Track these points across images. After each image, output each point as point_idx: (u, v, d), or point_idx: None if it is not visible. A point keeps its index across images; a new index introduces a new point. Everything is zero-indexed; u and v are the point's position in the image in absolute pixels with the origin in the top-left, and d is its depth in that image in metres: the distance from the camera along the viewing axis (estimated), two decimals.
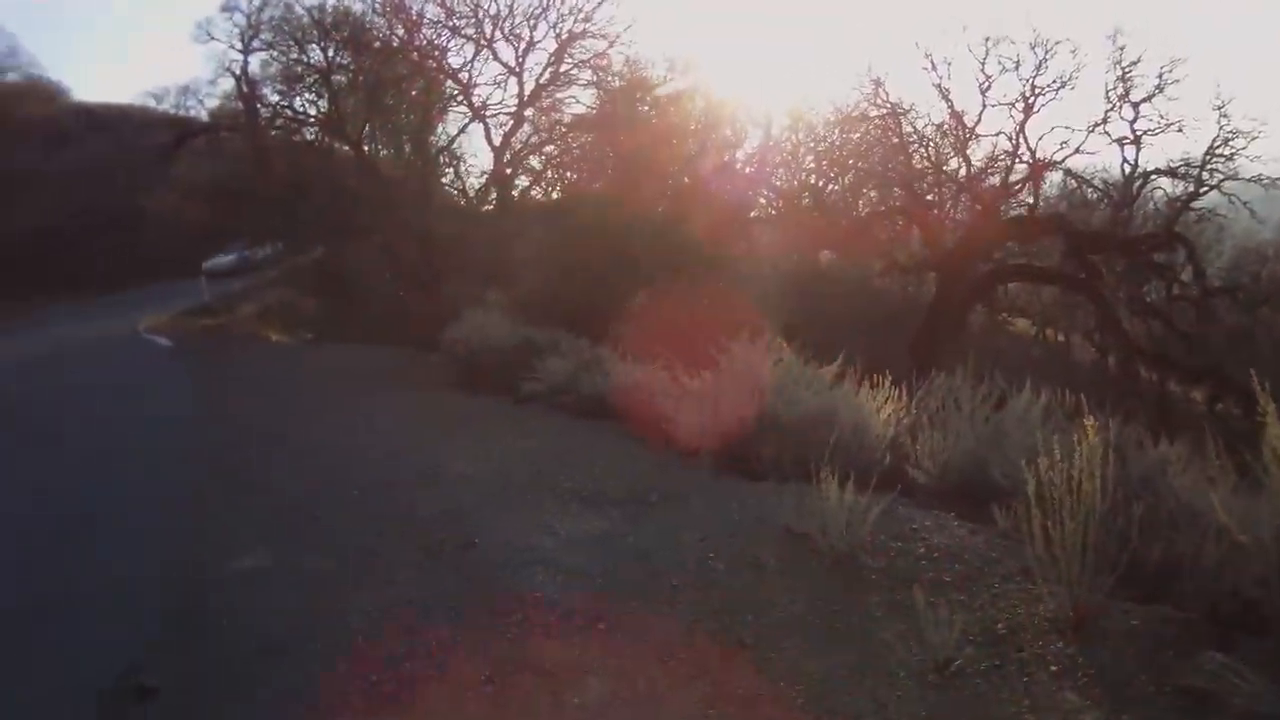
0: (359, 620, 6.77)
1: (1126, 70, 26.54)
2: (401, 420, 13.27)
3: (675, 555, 7.19)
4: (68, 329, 31.80)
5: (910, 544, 6.94)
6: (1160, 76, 26.40)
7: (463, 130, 30.03)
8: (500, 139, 27.36)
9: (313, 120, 31.71)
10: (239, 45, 34.49)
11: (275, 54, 32.94)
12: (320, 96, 31.24)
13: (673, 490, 8.81)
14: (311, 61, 30.58)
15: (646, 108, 24.27)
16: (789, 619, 6.05)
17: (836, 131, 30.11)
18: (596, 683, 5.52)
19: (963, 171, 28.69)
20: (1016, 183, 28.00)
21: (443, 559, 7.81)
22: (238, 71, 34.65)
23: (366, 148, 30.71)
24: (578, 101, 29.49)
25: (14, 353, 26.30)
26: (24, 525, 10.33)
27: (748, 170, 27.81)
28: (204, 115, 39.19)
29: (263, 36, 33.71)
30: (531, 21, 27.48)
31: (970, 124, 27.59)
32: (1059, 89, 26.93)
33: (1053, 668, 5.20)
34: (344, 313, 29.12)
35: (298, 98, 31.97)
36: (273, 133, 32.72)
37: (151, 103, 43.64)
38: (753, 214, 27.80)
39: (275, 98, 32.95)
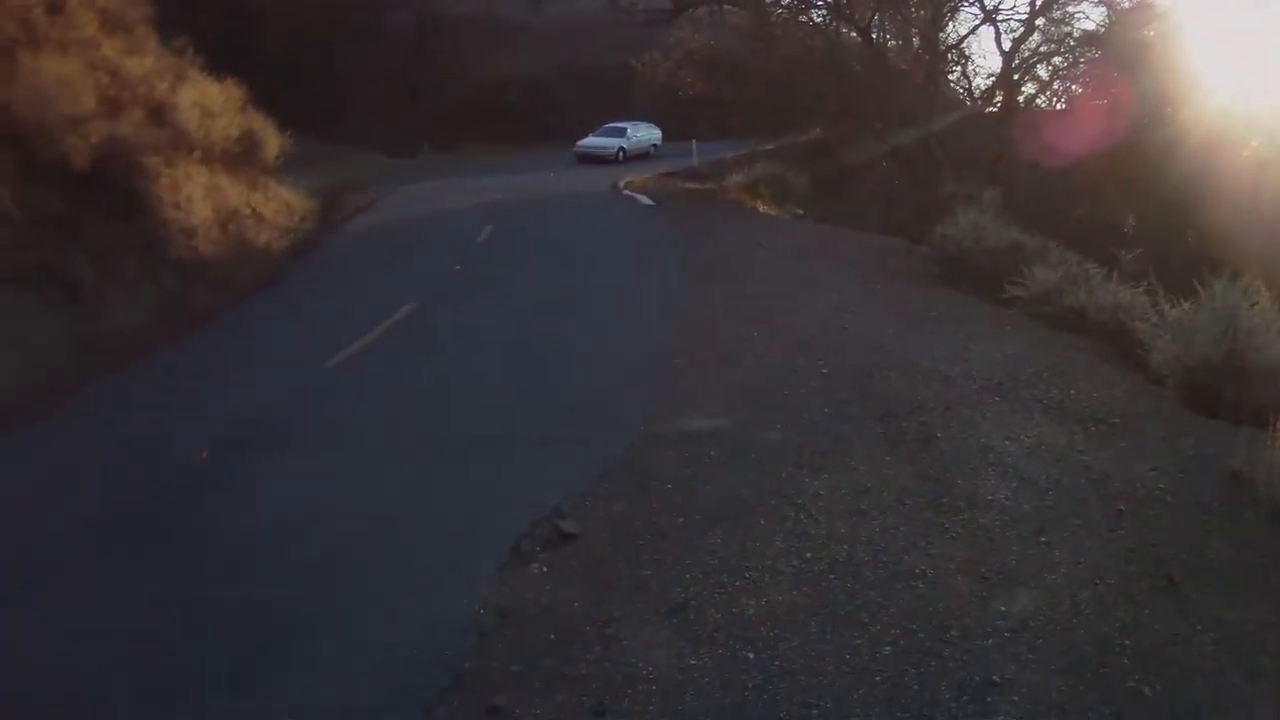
0: (805, 500, 7.53)
1: None
2: (884, 309, 13.58)
3: (1125, 481, 7.56)
4: (553, 177, 33.88)
5: None
6: None
7: (973, 31, 29.41)
8: (1010, 44, 26.70)
9: (821, 3, 31.41)
10: None
11: None
12: None
13: (1134, 416, 9.03)
14: None
15: (1149, 33, 22.92)
16: (1218, 564, 6.36)
17: None
18: (1025, 595, 6.10)
19: None
20: None
21: (902, 449, 8.44)
22: None
23: (874, 36, 30.44)
24: (1087, 17, 28.13)
25: (513, 198, 28.02)
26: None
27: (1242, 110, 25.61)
28: None
29: None
30: None
31: None
32: None
33: None
34: (834, 194, 29.40)
35: None
36: (779, 10, 32.79)
37: None
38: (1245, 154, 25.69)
39: None
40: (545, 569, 6.74)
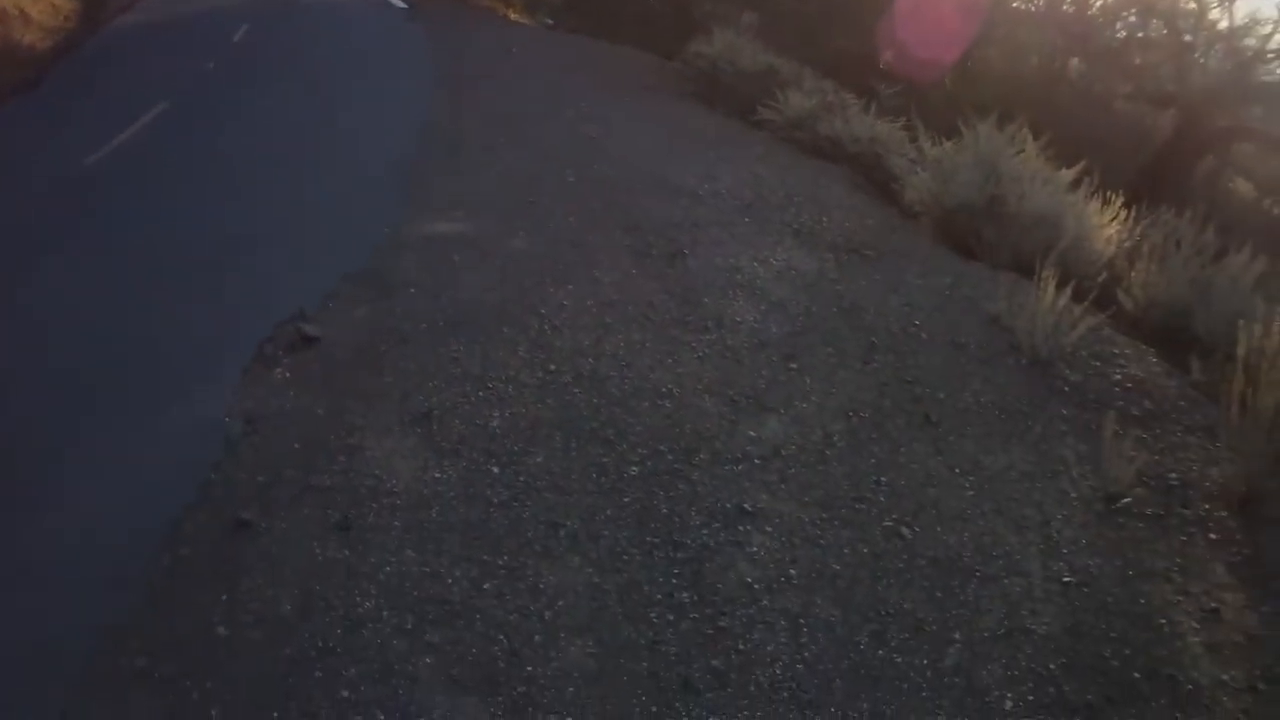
0: (549, 310, 7.21)
1: None
2: (635, 123, 13.21)
3: (879, 314, 7.38)
4: None
5: (1107, 367, 7.01)
6: None
7: None
8: None
9: None
10: None
11: None
12: None
13: (889, 249, 8.88)
14: None
15: None
16: (977, 408, 6.25)
17: None
18: (775, 422, 5.89)
19: (1224, 23, 26.46)
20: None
21: (649, 264, 8.10)
22: None
23: None
24: None
25: None
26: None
27: None
28: None
29: None
30: None
31: None
32: None
33: (1212, 535, 5.32)
34: (587, 5, 28.67)
35: None
36: None
37: None
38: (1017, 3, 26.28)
39: None
40: (288, 375, 6.40)
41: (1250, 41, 26.31)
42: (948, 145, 10.09)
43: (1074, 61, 25.95)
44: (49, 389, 6.31)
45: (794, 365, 6.50)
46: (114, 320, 7.33)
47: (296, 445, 5.59)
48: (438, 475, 5.32)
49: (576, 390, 6.13)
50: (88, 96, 15.50)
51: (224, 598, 4.59)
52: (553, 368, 6.38)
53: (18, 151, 12.81)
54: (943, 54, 17.02)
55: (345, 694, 4.18)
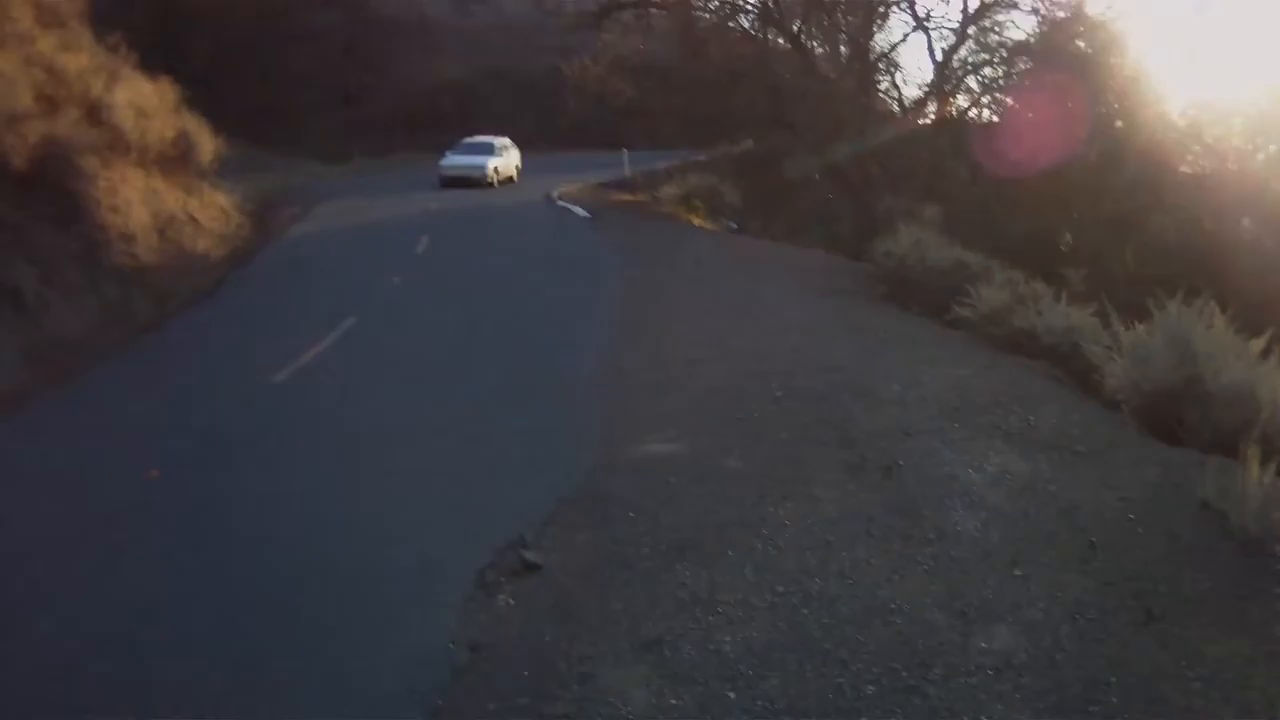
0: (771, 530, 7.48)
1: None
2: (833, 330, 13.58)
3: (1095, 512, 7.60)
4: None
5: None
6: None
7: (904, 39, 29.81)
8: (942, 54, 26.89)
9: (750, 8, 31.16)
10: None
11: None
12: None
13: (1097, 443, 9.06)
14: None
15: (1084, 44, 23.23)
16: (1195, 597, 6.37)
17: None
18: (1005, 631, 6.07)
19: None
20: None
21: (864, 477, 8.42)
22: None
23: (804, 43, 30.22)
24: (1016, 26, 28.29)
25: (447, 208, 28.25)
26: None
27: (1181, 123, 26.08)
28: None
29: None
30: None
31: None
32: None
33: None
34: (770, 208, 29.50)
35: None
36: (706, 15, 32.48)
37: None
38: (1184, 169, 26.13)
39: None
40: (512, 602, 6.66)
41: None
42: (1139, 328, 10.34)
43: (1244, 222, 25.45)
44: (258, 618, 6.71)
45: (1018, 572, 6.75)
46: (319, 545, 7.86)
47: (526, 673, 5.82)
48: (673, 702, 5.49)
49: (806, 611, 6.33)
50: (270, 308, 16.64)
51: None
52: (780, 589, 6.61)
53: (203, 365, 13.94)
54: (1119, 230, 17.22)
55: None
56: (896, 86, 30.50)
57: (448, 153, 35.65)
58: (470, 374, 12.35)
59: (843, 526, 7.53)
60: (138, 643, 6.40)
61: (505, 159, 36.65)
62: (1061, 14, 24.89)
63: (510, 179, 36.43)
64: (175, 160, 23.79)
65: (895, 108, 29.00)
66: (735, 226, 28.64)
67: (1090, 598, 6.41)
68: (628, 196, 31.89)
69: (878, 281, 16.79)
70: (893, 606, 6.35)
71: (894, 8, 28.59)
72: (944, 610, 6.30)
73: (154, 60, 26.50)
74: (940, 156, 24.22)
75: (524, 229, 25.13)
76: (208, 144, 25.45)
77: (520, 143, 41.16)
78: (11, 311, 14.76)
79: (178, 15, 47.34)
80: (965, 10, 26.10)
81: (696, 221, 28.30)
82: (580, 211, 27.68)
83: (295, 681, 5.88)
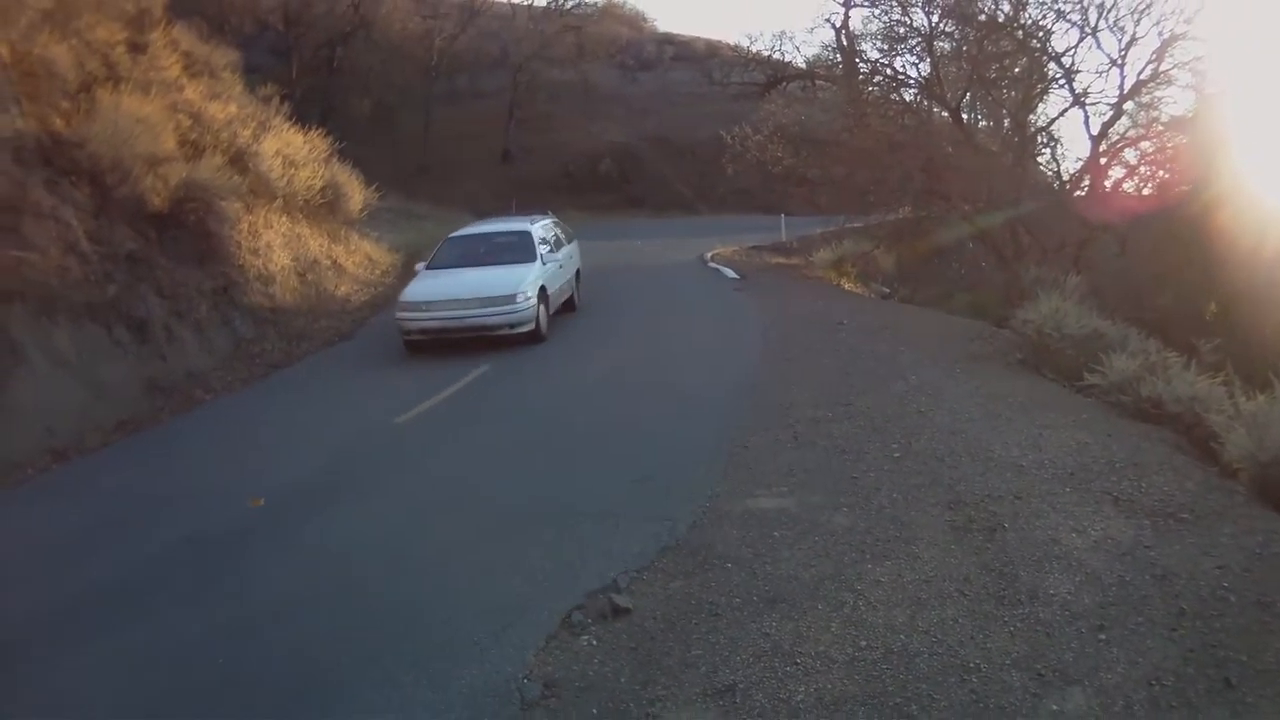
0: (865, 586, 7.63)
1: None
2: (962, 395, 13.51)
3: (1190, 579, 7.54)
4: (640, 246, 34.22)
5: None
6: None
7: (1062, 114, 29.30)
8: (1098, 128, 26.60)
9: (912, 82, 31.43)
10: None
11: (877, 11, 33.46)
12: (921, 60, 30.87)
13: (1205, 511, 8.93)
14: (914, 24, 30.33)
15: (1238, 120, 22.68)
16: (1276, 667, 6.30)
17: None
18: (1079, 694, 6.13)
19: None
20: None
21: (968, 538, 8.50)
22: (837, 24, 35.34)
23: (965, 117, 30.42)
24: (1174, 102, 27.87)
25: (595, 264, 28.52)
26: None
27: None
28: (799, 62, 39.60)
29: None
30: (1136, 16, 26.26)
31: None
32: None
33: None
34: (921, 274, 29.44)
35: (898, 58, 31.59)
36: (869, 89, 32.74)
37: (745, 42, 45.19)
38: None
39: (875, 55, 32.83)
40: (594, 642, 6.89)
41: None
42: (1261, 398, 10.15)
43: None
44: (348, 638, 7.19)
45: (1103, 636, 6.76)
46: (414, 573, 8.29)
47: (594, 711, 6.08)
48: None
49: (885, 666, 6.44)
50: (404, 352, 17.38)
51: None
52: (864, 644, 6.74)
53: (326, 402, 14.77)
54: (1263, 306, 16.79)
55: None
56: (1055, 160, 30.24)
57: (421, 269, 19.36)
58: (589, 425, 12.72)
59: (937, 585, 7.63)
60: (239, 657, 7.05)
61: (554, 264, 19.48)
62: (1217, 90, 24.40)
63: (572, 299, 21.13)
64: (322, 208, 24.88)
65: (1052, 180, 28.65)
66: (887, 291, 28.63)
67: (1171, 664, 6.40)
68: (782, 260, 31.93)
69: (1015, 348, 16.54)
70: (972, 665, 6.44)
71: (1053, 84, 28.36)
72: (1022, 671, 6.37)
73: (312, 113, 27.77)
74: (1091, 228, 23.84)
75: (673, 288, 25.48)
76: (357, 194, 26.68)
77: (680, 208, 41.40)
78: (135, 342, 15.63)
79: (341, 73, 49.78)
80: (1121, 88, 25.79)
81: (847, 286, 28.32)
82: (730, 273, 27.91)
83: (366, 710, 6.25)
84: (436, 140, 51.12)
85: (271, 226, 21.55)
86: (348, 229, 26.28)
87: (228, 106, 23.19)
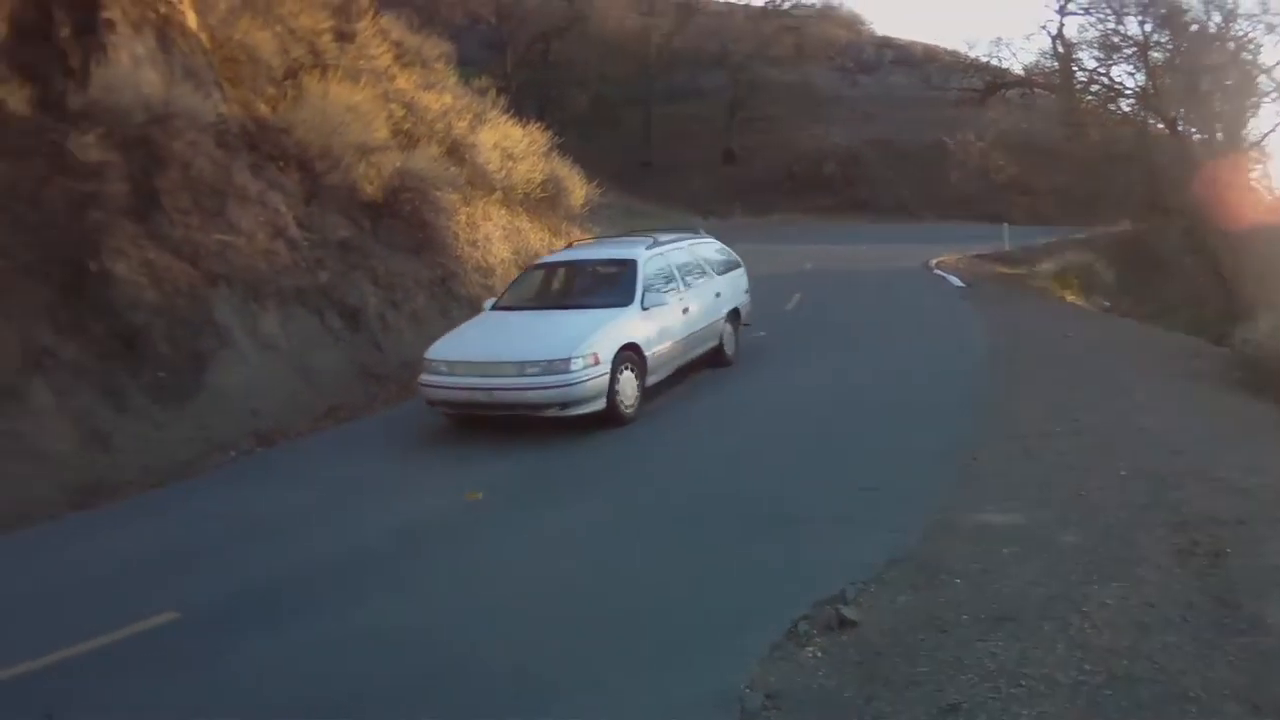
0: (1092, 608, 7.58)
1: None
2: (1184, 413, 13.48)
3: None
4: (864, 250, 33.88)
5: None
6: None
7: (1275, 128, 28.72)
8: None
9: (1129, 93, 31.49)
10: (1056, 5, 35.71)
11: (1092, 19, 33.41)
12: (1137, 70, 30.97)
13: None
14: (1128, 33, 30.55)
15: None
16: None
17: None
18: None
19: None
20: None
21: (1192, 563, 8.47)
22: (1053, 32, 36.05)
23: (1180, 128, 30.04)
24: None
25: (822, 268, 28.92)
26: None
27: None
28: (1016, 69, 39.83)
29: (1080, 1, 34.20)
30: None
31: None
32: None
33: None
34: (1142, 288, 28.97)
35: (1114, 67, 31.78)
36: (1087, 98, 32.93)
37: (963, 48, 45.33)
38: None
39: (1091, 64, 33.17)
40: (819, 655, 6.91)
41: None
42: None
43: None
44: (567, 636, 7.47)
45: None
46: (635, 577, 8.58)
47: None
48: None
49: (1107, 692, 6.47)
50: None
51: None
52: (1088, 667, 6.76)
53: None
54: None
55: None
56: (1268, 175, 29.51)
57: (488, 307, 15.09)
58: (824, 431, 12.99)
59: (1160, 610, 7.57)
60: (452, 650, 7.48)
61: (670, 309, 14.46)
62: None
63: (717, 352, 16.30)
64: (542, 202, 25.19)
65: (1266, 195, 28.15)
66: (1108, 305, 28.40)
67: None
68: (1004, 269, 31.66)
69: (1235, 367, 16.43)
70: (1191, 695, 6.40)
71: (1265, 98, 27.87)
72: (1240, 702, 6.33)
73: (528, 108, 27.97)
74: None
75: (897, 294, 25.54)
76: (578, 189, 26.89)
77: (903, 213, 42.82)
78: (348, 330, 16.14)
79: (558, 67, 51.08)
80: None
81: (1069, 298, 28.07)
82: (955, 281, 27.83)
83: (579, 714, 6.45)
84: (657, 137, 52.24)
85: (490, 219, 21.92)
86: (569, 224, 26.37)
87: (442, 97, 23.74)
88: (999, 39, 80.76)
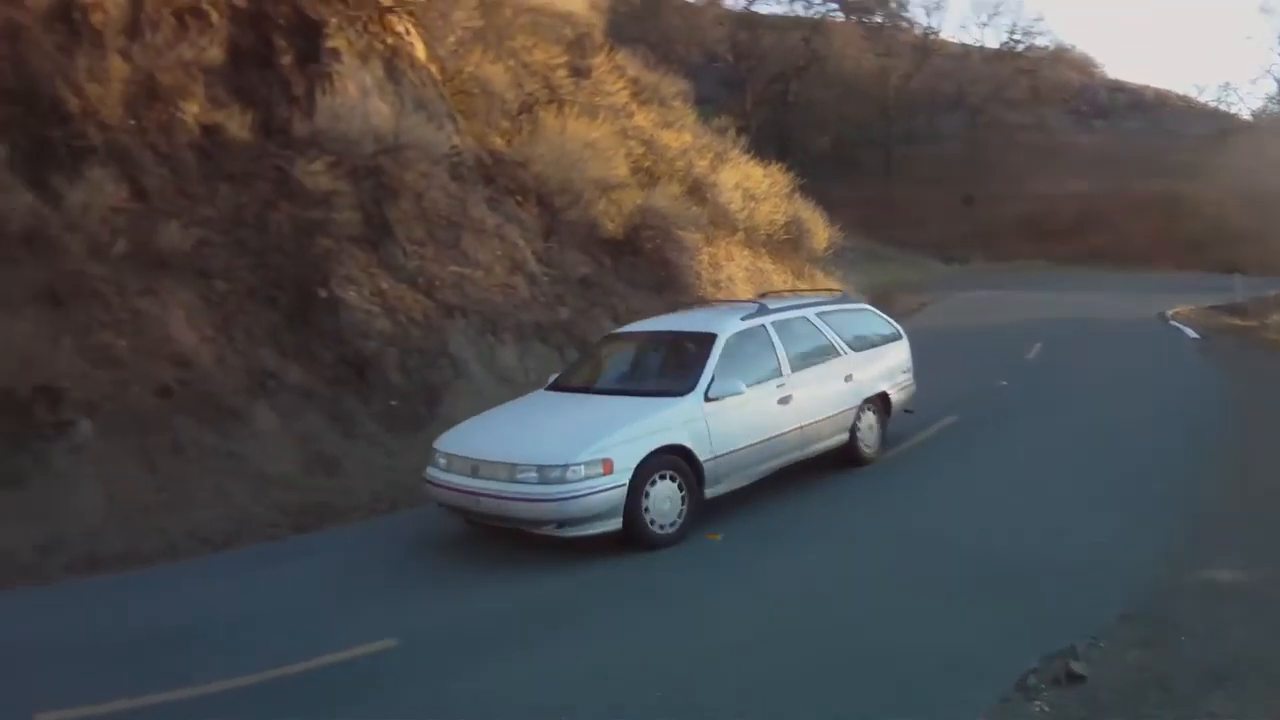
0: None
1: None
2: None
3: None
4: (1101, 300, 33.15)
5: None
6: None
7: None
8: None
9: None
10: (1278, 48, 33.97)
11: None
12: None
13: None
14: None
15: None
16: None
17: None
18: None
19: None
20: None
21: None
22: (1278, 75, 34.02)
23: None
24: None
25: (1062, 316, 28.27)
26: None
27: None
28: (1245, 114, 38.53)
29: None
30: None
31: None
32: None
33: None
34: None
35: None
36: None
37: (1192, 92, 44.10)
38: None
39: None
40: (1046, 709, 6.71)
41: None
42: None
43: None
44: (789, 676, 7.23)
45: None
46: (862, 624, 8.26)
47: None
48: None
49: None
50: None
51: None
52: None
53: None
54: None
55: None
56: None
57: (491, 415, 11.17)
58: (1054, 482, 12.36)
59: None
60: (685, 684, 7.29)
61: (754, 399, 10.79)
62: None
63: (846, 449, 12.57)
64: (785, 243, 24.94)
65: None
66: None
67: None
68: (1237, 321, 29.79)
69: None
70: None
71: None
72: None
73: (767, 148, 28.15)
74: None
75: (1137, 345, 25.07)
76: (820, 231, 26.62)
77: (1138, 260, 41.12)
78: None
79: (798, 107, 51.43)
80: None
81: None
82: (1190, 333, 27.07)
83: None
84: (897, 180, 52.22)
85: (733, 259, 21.75)
86: (811, 266, 26.21)
87: (681, 135, 23.68)
88: (1227, 84, 77.16)
